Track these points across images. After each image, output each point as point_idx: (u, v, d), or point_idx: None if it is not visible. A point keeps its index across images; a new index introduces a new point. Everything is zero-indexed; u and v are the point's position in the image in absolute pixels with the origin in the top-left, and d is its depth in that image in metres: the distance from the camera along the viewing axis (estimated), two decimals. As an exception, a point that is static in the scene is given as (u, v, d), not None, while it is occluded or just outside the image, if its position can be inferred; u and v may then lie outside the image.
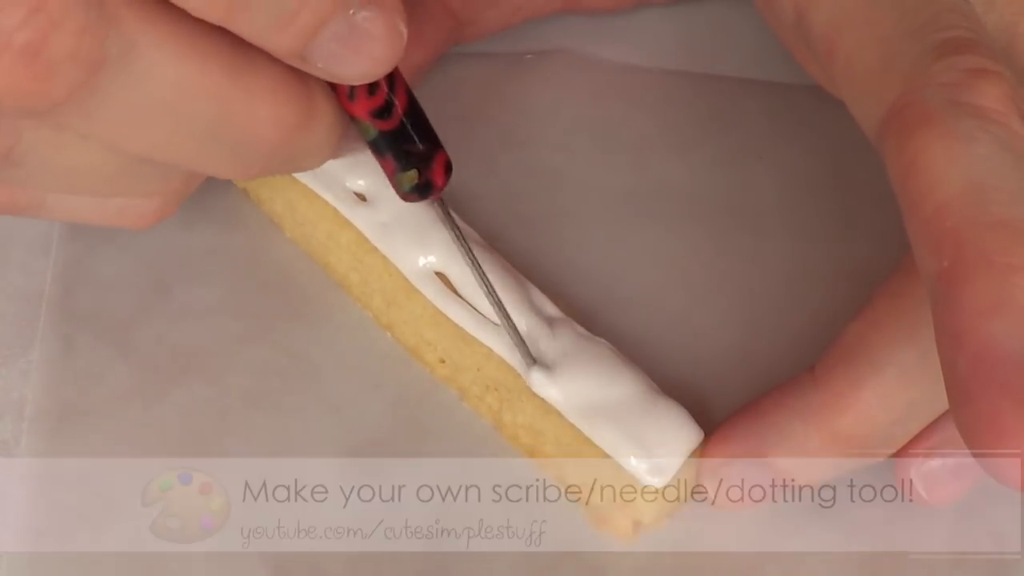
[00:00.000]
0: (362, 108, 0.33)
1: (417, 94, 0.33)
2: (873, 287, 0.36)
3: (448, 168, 0.35)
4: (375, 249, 0.40)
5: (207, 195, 0.42)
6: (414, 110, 0.34)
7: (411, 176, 0.34)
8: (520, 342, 0.38)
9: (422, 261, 0.39)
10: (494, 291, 0.37)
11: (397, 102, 0.33)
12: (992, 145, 0.30)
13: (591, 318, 0.40)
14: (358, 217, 0.40)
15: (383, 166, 0.34)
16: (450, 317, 0.39)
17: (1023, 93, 0.31)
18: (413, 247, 0.39)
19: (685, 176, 0.44)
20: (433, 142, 0.34)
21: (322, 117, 0.32)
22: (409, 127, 0.33)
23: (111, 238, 0.41)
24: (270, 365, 0.40)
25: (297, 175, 0.40)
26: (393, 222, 0.39)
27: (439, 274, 0.39)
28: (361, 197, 0.40)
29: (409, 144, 0.34)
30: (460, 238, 0.37)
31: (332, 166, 0.40)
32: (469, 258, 0.37)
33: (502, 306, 0.37)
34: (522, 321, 0.38)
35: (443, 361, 0.39)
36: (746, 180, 0.44)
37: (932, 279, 0.29)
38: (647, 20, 0.48)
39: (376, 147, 0.34)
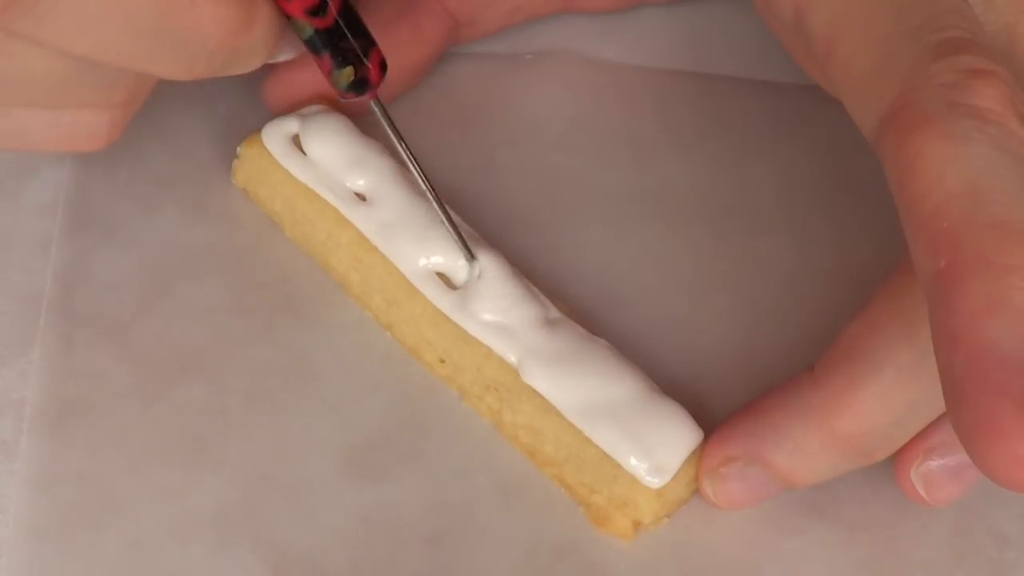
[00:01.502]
0: (298, 7, 0.35)
1: (417, 94, 0.34)
2: (873, 287, 0.36)
3: (383, 65, 0.37)
4: (375, 249, 0.40)
5: (207, 195, 0.42)
6: (347, 9, 0.36)
7: (347, 73, 0.36)
8: (459, 238, 0.39)
9: (422, 261, 0.39)
10: (433, 188, 0.39)
11: (331, 1, 0.35)
12: (990, 146, 0.30)
13: (591, 318, 0.40)
14: (358, 217, 0.40)
15: (320, 65, 0.36)
16: (450, 317, 0.39)
17: (1021, 93, 0.31)
18: (413, 247, 0.39)
19: (685, 176, 0.44)
20: (367, 39, 0.36)
21: (262, 18, 0.34)
22: (343, 25, 0.36)
23: (111, 237, 0.41)
24: (270, 365, 0.40)
25: (296, 174, 0.40)
26: (393, 222, 0.39)
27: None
28: (361, 197, 0.40)
29: (343, 41, 0.36)
30: (400, 138, 0.38)
31: (332, 166, 0.40)
32: (408, 156, 0.38)
33: (441, 203, 0.39)
34: (521, 314, 0.38)
35: (443, 361, 0.39)
36: (746, 180, 0.44)
37: (929, 280, 0.29)
38: (647, 20, 0.48)
39: (312, 45, 0.36)
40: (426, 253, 0.39)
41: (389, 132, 0.38)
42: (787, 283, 0.42)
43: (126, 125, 0.37)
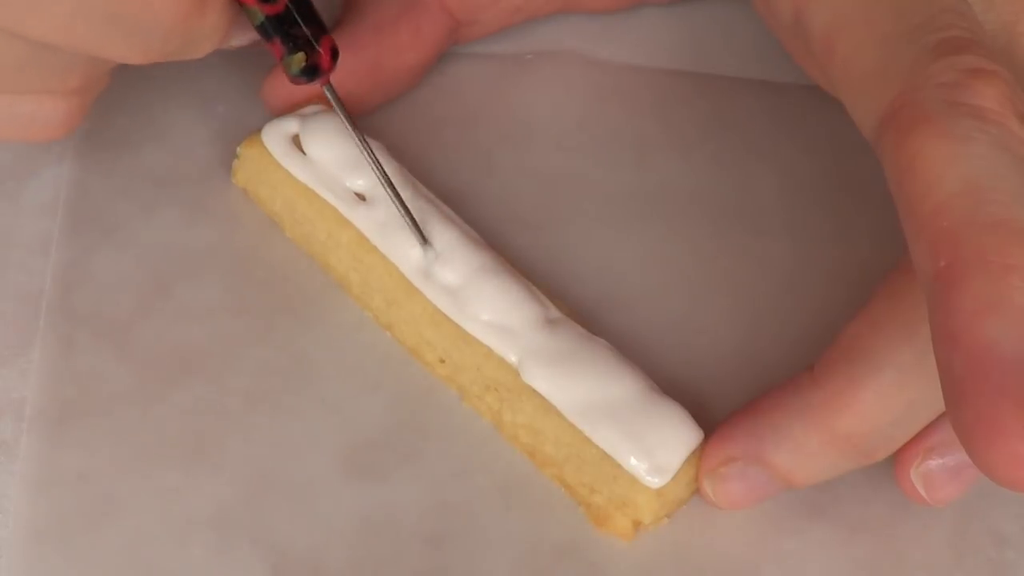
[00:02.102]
0: None
1: (417, 94, 0.34)
2: (873, 287, 0.36)
3: (335, 53, 0.37)
4: (375, 249, 0.40)
5: (207, 195, 0.42)
6: None
7: (299, 59, 0.37)
8: (411, 220, 0.39)
9: (423, 260, 0.39)
10: (382, 168, 0.39)
11: None
12: (989, 145, 0.30)
13: (591, 318, 0.40)
14: (358, 217, 0.40)
15: (272, 51, 0.37)
16: (450, 316, 0.39)
17: (1021, 93, 0.31)
18: (413, 247, 0.39)
19: (685, 176, 0.44)
20: (319, 26, 0.37)
21: (214, 2, 0.35)
22: (294, 11, 0.36)
23: (111, 238, 0.41)
24: (270, 365, 0.40)
25: (296, 174, 0.40)
26: (393, 222, 0.39)
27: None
28: (361, 197, 0.40)
29: (295, 28, 0.36)
30: (352, 122, 0.38)
31: (332, 166, 0.40)
32: (359, 139, 0.39)
33: (391, 183, 0.39)
34: (521, 314, 0.38)
35: (443, 361, 0.39)
36: (746, 180, 0.44)
37: (929, 279, 0.29)
38: (647, 20, 0.48)
39: (264, 31, 0.36)
40: (426, 253, 0.39)
41: (342, 117, 0.39)
42: (787, 283, 0.42)
43: (84, 114, 0.38)
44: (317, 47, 0.37)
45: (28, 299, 0.40)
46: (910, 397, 0.34)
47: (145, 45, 0.35)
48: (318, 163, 0.40)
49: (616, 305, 0.41)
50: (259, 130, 0.42)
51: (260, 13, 0.36)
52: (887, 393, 0.34)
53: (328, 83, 0.38)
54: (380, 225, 0.40)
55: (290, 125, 0.41)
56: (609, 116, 0.45)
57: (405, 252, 0.39)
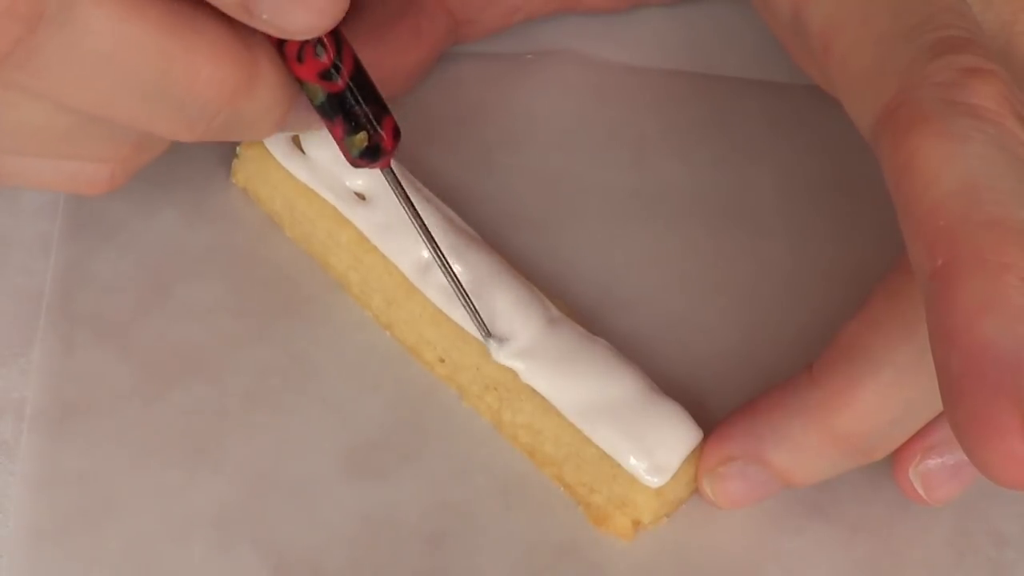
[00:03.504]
0: (310, 70, 0.34)
1: (417, 94, 0.34)
2: (871, 287, 0.36)
3: (396, 132, 0.36)
4: (375, 248, 0.40)
5: (207, 195, 0.42)
6: (360, 73, 0.35)
7: (360, 139, 0.35)
8: (475, 313, 0.38)
9: (422, 259, 0.39)
10: (447, 263, 0.38)
11: (343, 64, 0.34)
12: (987, 144, 0.30)
13: (591, 318, 0.40)
14: (358, 216, 0.40)
15: (332, 131, 0.35)
16: (449, 316, 0.39)
17: (1019, 92, 0.31)
18: (413, 246, 0.39)
19: (685, 176, 0.44)
20: (380, 105, 0.35)
21: (266, 80, 0.33)
22: (356, 89, 0.35)
23: (111, 238, 0.41)
24: (270, 365, 0.40)
25: (296, 174, 0.40)
26: (393, 221, 0.39)
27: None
28: (361, 196, 0.40)
29: (357, 106, 0.35)
30: (412, 209, 0.37)
31: (332, 166, 0.40)
32: (422, 231, 0.38)
33: (455, 276, 0.38)
34: (529, 322, 0.38)
35: (443, 360, 0.39)
36: (746, 180, 0.44)
37: (926, 278, 0.29)
38: (647, 20, 0.48)
39: (324, 111, 0.35)
40: (426, 251, 0.39)
41: (399, 200, 0.37)
42: (786, 283, 0.42)
43: (131, 175, 0.37)
44: (379, 127, 0.35)
45: (28, 299, 0.40)
46: (909, 396, 0.34)
47: (191, 122, 0.34)
48: (318, 163, 0.40)
49: (616, 305, 0.41)
50: (259, 130, 0.42)
51: (321, 91, 0.34)
52: (886, 392, 0.34)
53: (389, 166, 0.37)
54: (380, 225, 0.40)
55: (290, 125, 0.41)
56: (609, 116, 0.46)
57: (405, 252, 0.39)
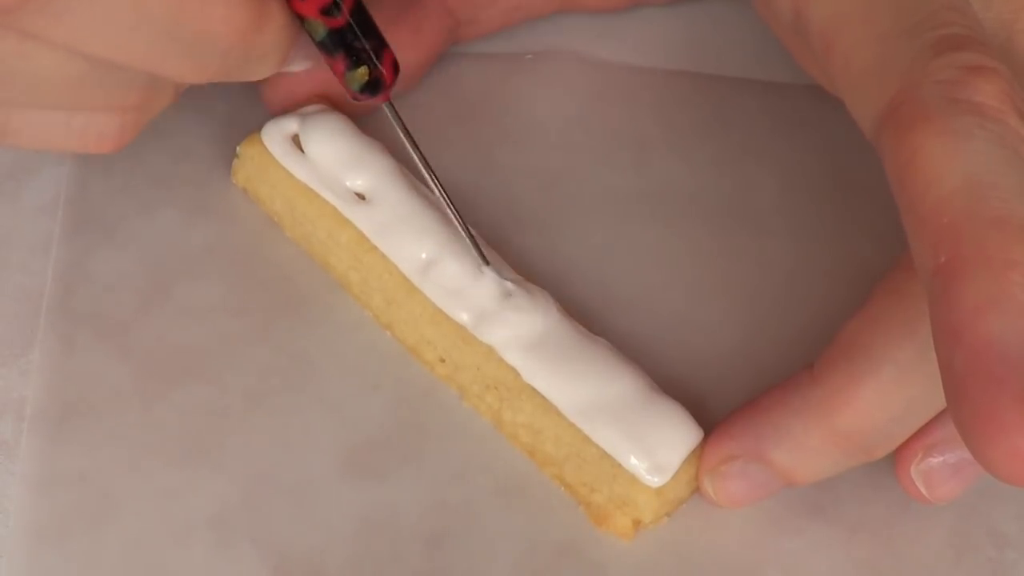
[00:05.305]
0: (312, 6, 0.35)
1: (417, 93, 0.34)
2: (872, 285, 0.36)
3: (396, 66, 0.37)
4: (375, 248, 0.40)
5: (207, 195, 0.42)
6: (360, 8, 0.36)
7: (361, 73, 0.36)
8: (472, 242, 0.39)
9: (423, 256, 0.39)
10: (445, 192, 0.39)
11: (343, 0, 0.35)
12: (989, 142, 0.30)
13: (591, 318, 0.40)
14: (358, 216, 0.40)
15: (333, 67, 0.36)
16: (450, 316, 0.39)
17: (1021, 90, 0.31)
18: (413, 246, 0.39)
19: (685, 176, 0.44)
20: (379, 40, 0.36)
21: (273, 19, 0.34)
22: (356, 25, 0.36)
23: (111, 237, 0.41)
24: (270, 365, 0.40)
25: (296, 174, 0.40)
26: (393, 221, 0.39)
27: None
28: (360, 196, 0.40)
29: (356, 41, 0.36)
30: (411, 140, 0.38)
31: (331, 165, 0.40)
32: (421, 161, 0.38)
33: (453, 206, 0.39)
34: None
35: (443, 360, 0.39)
36: (746, 180, 0.44)
37: (929, 275, 0.29)
38: (647, 20, 0.48)
39: (325, 47, 0.36)
40: (426, 251, 0.39)
41: (401, 135, 0.38)
42: (787, 283, 0.42)
43: (139, 130, 0.38)
44: (379, 60, 0.36)
45: (28, 299, 0.40)
46: (910, 394, 0.34)
47: (204, 63, 0.35)
48: (318, 162, 0.40)
49: (616, 305, 0.41)
50: (259, 129, 0.42)
51: (323, 27, 0.35)
52: (887, 390, 0.34)
53: (388, 100, 0.38)
54: (380, 224, 0.40)
55: (290, 124, 0.41)
56: (609, 116, 0.46)
57: (404, 252, 0.39)
